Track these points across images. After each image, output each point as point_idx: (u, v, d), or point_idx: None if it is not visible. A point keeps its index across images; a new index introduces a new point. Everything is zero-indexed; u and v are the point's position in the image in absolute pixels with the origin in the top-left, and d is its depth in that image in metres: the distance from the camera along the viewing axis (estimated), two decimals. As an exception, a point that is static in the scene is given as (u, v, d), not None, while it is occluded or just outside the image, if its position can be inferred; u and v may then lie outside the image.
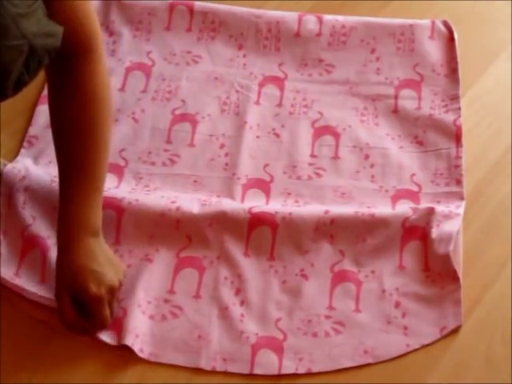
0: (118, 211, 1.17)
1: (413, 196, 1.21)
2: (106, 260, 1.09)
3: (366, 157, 1.26)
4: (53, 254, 1.13)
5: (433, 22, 1.39)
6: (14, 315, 1.10)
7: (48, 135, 1.27)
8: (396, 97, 1.32)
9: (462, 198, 1.20)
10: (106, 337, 1.08)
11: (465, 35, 1.37)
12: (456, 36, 1.37)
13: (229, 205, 1.18)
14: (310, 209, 1.18)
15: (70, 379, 1.06)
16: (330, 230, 1.16)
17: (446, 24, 1.39)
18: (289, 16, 1.40)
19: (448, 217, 1.16)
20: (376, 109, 1.31)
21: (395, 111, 1.31)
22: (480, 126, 1.29)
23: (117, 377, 1.06)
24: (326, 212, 1.17)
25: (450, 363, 1.07)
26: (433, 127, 1.28)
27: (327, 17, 1.40)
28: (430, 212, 1.16)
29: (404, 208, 1.18)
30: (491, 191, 1.22)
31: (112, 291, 1.08)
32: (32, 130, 1.28)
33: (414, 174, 1.24)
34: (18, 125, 1.30)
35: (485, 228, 1.18)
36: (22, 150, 1.26)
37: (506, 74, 1.34)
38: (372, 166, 1.25)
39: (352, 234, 1.16)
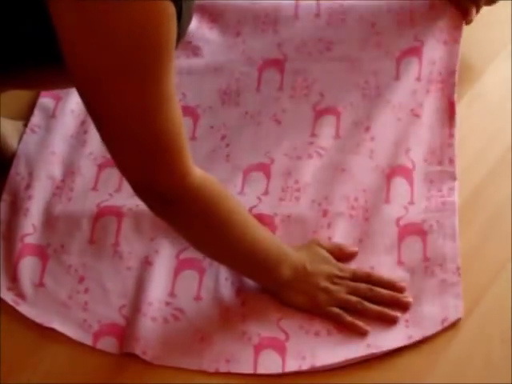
0: (118, 216, 1.18)
1: (407, 174, 1.21)
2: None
3: (367, 129, 1.25)
4: (52, 263, 1.15)
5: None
6: (14, 315, 1.10)
7: (50, 125, 1.28)
8: (397, 67, 1.31)
9: (454, 179, 1.20)
10: (107, 346, 1.08)
11: (465, 35, 1.36)
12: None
13: None
14: (308, 211, 1.19)
15: (70, 379, 1.06)
16: (328, 232, 1.17)
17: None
18: (285, 2, 1.39)
19: (443, 209, 1.17)
20: (377, 80, 1.30)
21: (397, 78, 1.30)
22: (480, 125, 1.29)
23: (117, 377, 1.06)
24: (325, 214, 1.18)
25: (450, 363, 1.06)
26: (428, 103, 1.27)
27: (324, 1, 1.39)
28: (424, 209, 1.17)
29: (396, 208, 1.18)
30: (491, 191, 1.22)
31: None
32: (34, 120, 1.28)
33: (409, 150, 1.23)
34: (16, 117, 1.30)
35: (485, 228, 1.18)
36: (25, 136, 1.26)
37: (506, 73, 1.34)
38: (372, 138, 1.24)
39: (349, 237, 1.17)
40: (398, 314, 1.08)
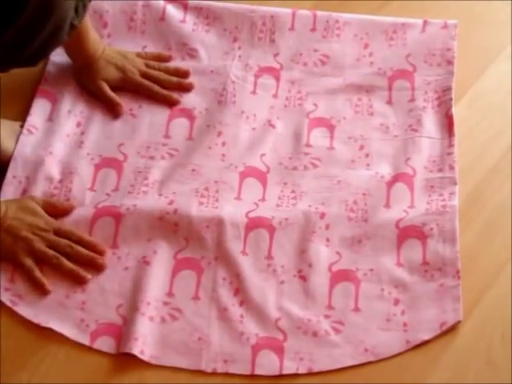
0: (116, 217, 1.18)
1: (408, 180, 1.22)
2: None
3: (361, 147, 1.27)
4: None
5: (425, 21, 1.39)
6: (14, 316, 1.10)
7: (47, 126, 1.28)
8: (390, 88, 1.32)
9: (455, 183, 1.21)
10: (105, 345, 1.08)
11: (465, 35, 1.37)
12: (451, 25, 1.37)
13: (226, 209, 1.18)
14: (306, 213, 1.19)
15: (69, 379, 1.06)
16: (326, 234, 1.17)
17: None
18: (282, 11, 1.41)
19: (443, 213, 1.17)
20: (370, 100, 1.32)
21: (389, 102, 1.31)
22: (480, 126, 1.29)
23: (116, 377, 1.06)
24: (322, 216, 1.18)
25: (450, 363, 1.07)
26: (426, 119, 1.28)
27: (321, 12, 1.41)
28: (424, 212, 1.18)
29: (397, 211, 1.19)
30: (491, 191, 1.22)
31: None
32: (31, 120, 1.28)
33: (408, 159, 1.24)
34: (16, 117, 1.29)
35: (485, 228, 1.18)
36: (22, 137, 1.26)
37: (506, 74, 1.34)
38: (367, 155, 1.26)
39: (347, 238, 1.17)
40: (89, 275, 1.12)
